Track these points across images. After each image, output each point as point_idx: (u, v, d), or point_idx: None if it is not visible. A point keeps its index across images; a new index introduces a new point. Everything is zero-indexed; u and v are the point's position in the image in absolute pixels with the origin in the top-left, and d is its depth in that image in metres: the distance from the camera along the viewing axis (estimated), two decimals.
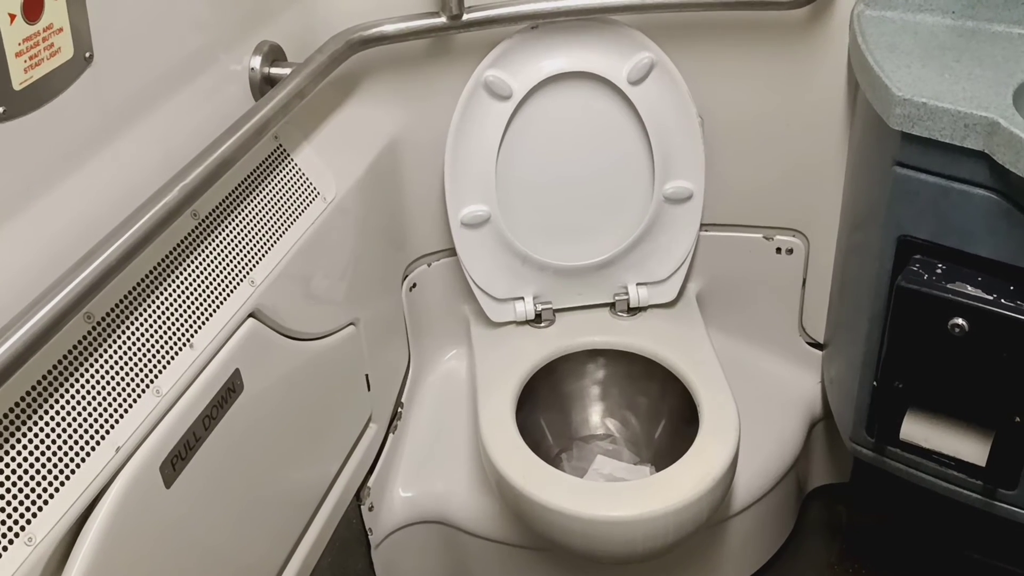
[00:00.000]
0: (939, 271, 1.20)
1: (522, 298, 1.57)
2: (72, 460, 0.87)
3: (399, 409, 1.59)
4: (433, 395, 1.68)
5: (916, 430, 1.29)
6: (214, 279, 1.08)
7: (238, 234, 1.14)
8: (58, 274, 0.87)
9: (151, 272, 1.01)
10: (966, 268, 1.19)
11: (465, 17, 1.35)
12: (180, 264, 1.05)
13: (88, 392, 0.91)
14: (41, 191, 0.89)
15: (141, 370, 0.96)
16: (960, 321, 1.18)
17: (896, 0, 1.31)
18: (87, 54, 0.92)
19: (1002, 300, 1.16)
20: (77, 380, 0.90)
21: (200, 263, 1.07)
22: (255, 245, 1.15)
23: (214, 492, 1.06)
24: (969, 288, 1.18)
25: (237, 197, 1.16)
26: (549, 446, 1.56)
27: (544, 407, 1.55)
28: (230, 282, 1.10)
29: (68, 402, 0.89)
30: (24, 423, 0.85)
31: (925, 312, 1.20)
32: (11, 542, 0.81)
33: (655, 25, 1.42)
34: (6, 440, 0.83)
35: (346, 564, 1.45)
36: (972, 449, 1.26)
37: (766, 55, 1.45)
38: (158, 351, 0.98)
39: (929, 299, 1.19)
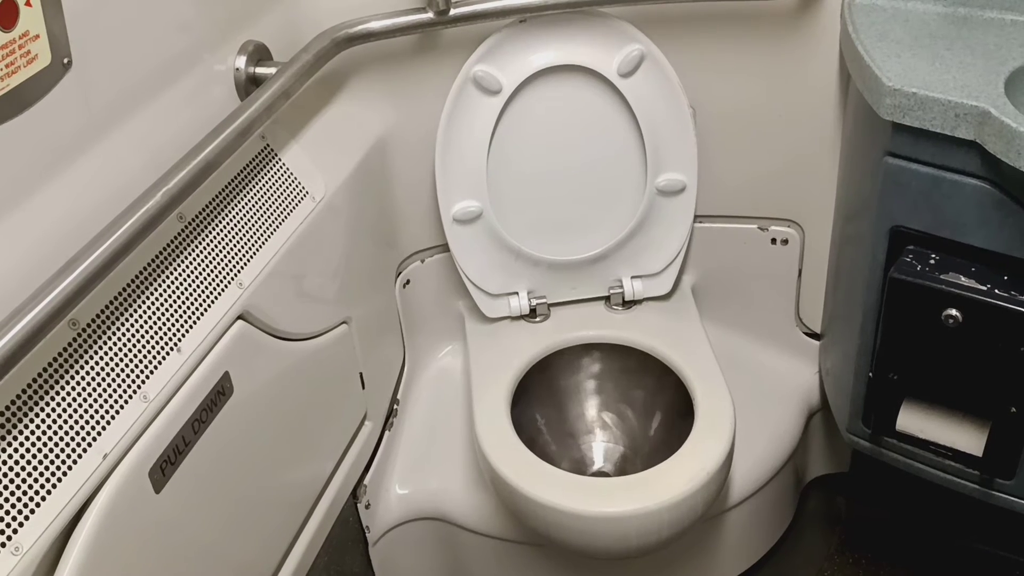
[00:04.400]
0: (932, 262, 1.20)
1: (516, 293, 1.57)
2: (59, 468, 0.87)
3: (394, 406, 1.59)
4: (428, 392, 1.68)
5: (912, 421, 1.29)
6: (202, 282, 1.07)
7: (226, 236, 1.13)
8: (42, 280, 0.86)
9: (137, 276, 1.01)
10: (959, 259, 1.19)
11: (452, 12, 1.34)
12: (167, 268, 1.04)
13: (74, 399, 0.90)
14: (23, 198, 0.89)
15: (128, 376, 0.95)
16: (954, 312, 1.17)
17: None
18: (65, 60, 0.91)
19: (996, 290, 1.15)
20: (63, 388, 0.90)
21: (187, 266, 1.07)
22: (243, 247, 1.14)
23: (205, 496, 1.05)
24: (963, 279, 1.17)
25: (224, 198, 1.15)
26: (544, 441, 1.55)
27: (539, 402, 1.54)
28: (218, 285, 1.09)
29: (54, 410, 0.88)
30: (9, 432, 0.84)
31: (919, 303, 1.20)
32: None
33: (644, 17, 1.41)
34: None
35: (343, 562, 1.45)
36: (969, 439, 1.25)
37: (758, 45, 1.43)
38: (145, 356, 0.98)
39: (923, 290, 1.18)
